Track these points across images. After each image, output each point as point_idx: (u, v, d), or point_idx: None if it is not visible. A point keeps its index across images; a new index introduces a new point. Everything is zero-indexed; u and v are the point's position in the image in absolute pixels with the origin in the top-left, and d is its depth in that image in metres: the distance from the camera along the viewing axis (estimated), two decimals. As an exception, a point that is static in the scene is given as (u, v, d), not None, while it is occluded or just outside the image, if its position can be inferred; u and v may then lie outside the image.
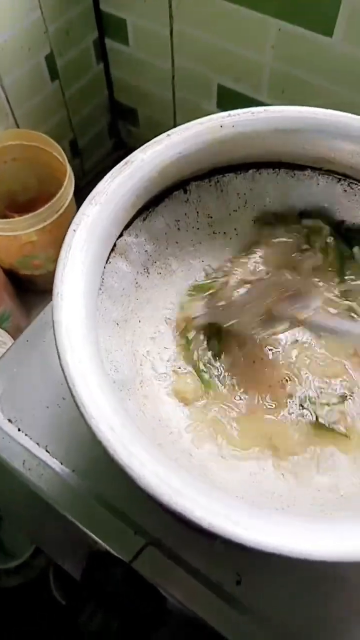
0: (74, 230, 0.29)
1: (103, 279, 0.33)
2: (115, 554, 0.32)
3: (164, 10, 0.59)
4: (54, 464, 0.35)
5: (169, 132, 0.34)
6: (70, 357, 0.24)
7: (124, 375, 0.32)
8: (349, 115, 0.36)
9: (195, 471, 0.29)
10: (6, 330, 0.56)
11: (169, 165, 0.34)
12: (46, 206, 0.54)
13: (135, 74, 0.72)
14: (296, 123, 0.36)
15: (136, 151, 0.34)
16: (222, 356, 0.37)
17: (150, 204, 0.36)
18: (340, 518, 0.25)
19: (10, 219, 0.54)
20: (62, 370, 0.24)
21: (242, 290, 0.38)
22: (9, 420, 0.36)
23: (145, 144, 0.34)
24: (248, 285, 0.38)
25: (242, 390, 0.35)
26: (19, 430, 0.36)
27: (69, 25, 0.62)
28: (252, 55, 0.57)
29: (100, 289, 0.32)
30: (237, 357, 0.36)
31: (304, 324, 0.34)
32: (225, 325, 0.36)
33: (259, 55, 0.56)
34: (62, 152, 0.56)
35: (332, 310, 0.38)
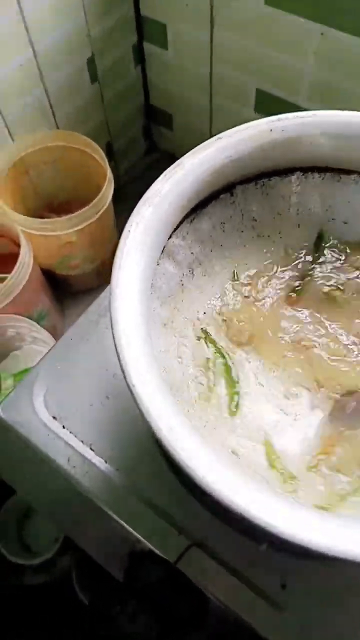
0: (129, 231, 0.29)
1: (153, 280, 0.33)
2: (160, 554, 0.32)
3: (205, 15, 0.59)
4: (99, 462, 0.35)
5: (219, 136, 0.35)
6: (129, 357, 0.25)
7: (172, 376, 0.32)
8: None
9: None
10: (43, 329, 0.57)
11: (219, 169, 0.34)
12: (87, 207, 0.54)
13: (172, 79, 0.73)
14: (346, 128, 0.36)
15: (187, 154, 0.34)
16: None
17: (198, 206, 0.36)
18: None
19: (52, 219, 0.55)
20: (121, 369, 0.24)
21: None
22: (54, 418, 0.36)
23: (196, 147, 0.35)
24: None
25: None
26: (63, 427, 0.36)
27: (110, 29, 0.63)
28: (293, 61, 0.57)
29: (150, 289, 0.32)
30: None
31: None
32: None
33: (300, 61, 0.56)
34: (102, 154, 0.57)
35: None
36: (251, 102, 0.64)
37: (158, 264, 0.34)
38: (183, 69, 0.69)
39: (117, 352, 0.25)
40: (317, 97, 0.58)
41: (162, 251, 0.34)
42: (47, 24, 0.53)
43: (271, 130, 0.35)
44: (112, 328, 0.26)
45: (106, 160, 0.56)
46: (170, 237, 0.34)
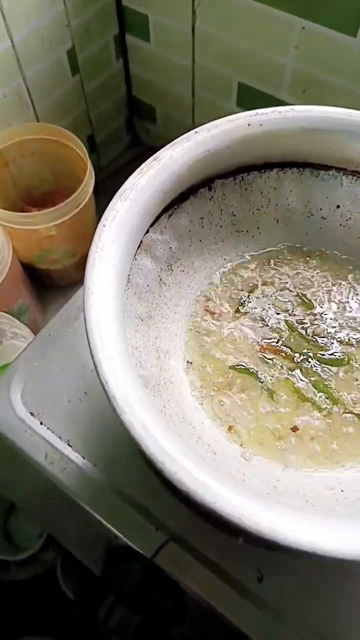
0: (104, 226, 0.29)
1: (129, 275, 0.33)
2: (137, 549, 0.32)
3: (187, 7, 0.59)
4: (76, 457, 0.35)
5: (197, 130, 0.35)
6: (102, 354, 0.25)
7: (149, 371, 0.32)
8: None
9: (222, 471, 0.29)
10: (24, 324, 0.56)
11: (197, 163, 0.34)
12: (67, 201, 0.54)
13: (154, 71, 0.72)
14: (324, 123, 0.36)
15: (165, 147, 0.34)
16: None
17: (176, 200, 0.36)
18: None
19: (31, 213, 0.54)
20: (95, 366, 0.24)
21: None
22: (31, 414, 0.36)
23: (174, 141, 0.34)
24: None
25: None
26: (41, 423, 0.36)
27: (90, 20, 0.62)
28: (274, 54, 0.56)
29: (126, 285, 0.32)
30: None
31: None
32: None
33: (282, 55, 0.56)
34: (83, 147, 0.57)
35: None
36: (233, 96, 0.64)
37: (135, 259, 0.33)
38: (165, 62, 0.68)
39: (90, 348, 0.25)
40: (299, 92, 0.58)
41: (139, 246, 0.34)
42: (25, 13, 0.52)
43: (249, 124, 0.35)
44: (85, 324, 0.26)
45: (87, 153, 0.56)
46: (147, 231, 0.34)
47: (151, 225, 0.35)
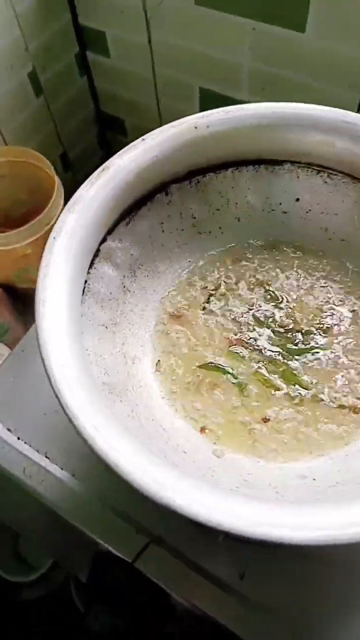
0: (54, 238, 0.30)
1: (89, 284, 0.33)
2: (119, 554, 0.32)
3: (140, 19, 0.60)
4: (55, 469, 0.35)
5: (144, 137, 0.35)
6: (54, 362, 0.25)
7: (115, 377, 0.32)
8: (318, 107, 0.36)
9: (192, 470, 0.29)
10: (5, 344, 0.57)
11: (146, 169, 0.35)
12: (36, 219, 0.55)
13: (119, 85, 0.73)
14: (269, 119, 0.37)
15: (113, 157, 0.34)
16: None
17: (133, 208, 0.37)
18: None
19: (2, 234, 0.55)
20: (47, 374, 0.25)
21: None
22: (8, 430, 0.37)
23: (122, 150, 0.35)
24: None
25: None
26: (18, 438, 0.36)
27: (49, 42, 0.64)
28: (230, 57, 0.57)
29: (85, 294, 0.33)
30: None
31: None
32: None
33: (237, 57, 0.57)
34: (50, 165, 0.57)
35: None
36: (196, 101, 0.65)
37: (94, 268, 0.34)
38: (128, 75, 0.69)
39: (42, 359, 0.25)
40: (259, 91, 0.59)
41: (97, 255, 0.34)
42: (-19, 41, 0.53)
43: (196, 127, 0.36)
44: (37, 335, 0.26)
45: (53, 170, 0.57)
46: (104, 240, 0.35)
47: (108, 234, 0.35)
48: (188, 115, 0.60)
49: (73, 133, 0.75)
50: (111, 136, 0.85)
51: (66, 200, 0.62)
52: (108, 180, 0.33)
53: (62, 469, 0.35)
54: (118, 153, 0.35)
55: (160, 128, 0.36)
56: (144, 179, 0.35)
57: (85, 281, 0.33)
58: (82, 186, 0.32)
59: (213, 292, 0.40)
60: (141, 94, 0.71)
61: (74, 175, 0.80)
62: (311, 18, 0.48)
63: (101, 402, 0.25)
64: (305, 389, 0.34)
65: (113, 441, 0.23)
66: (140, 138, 0.35)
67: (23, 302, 0.65)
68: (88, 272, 0.33)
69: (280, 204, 0.41)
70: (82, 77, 0.72)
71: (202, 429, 0.33)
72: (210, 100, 0.64)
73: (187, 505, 0.21)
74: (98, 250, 0.34)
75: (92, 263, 0.34)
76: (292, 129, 0.37)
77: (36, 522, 0.37)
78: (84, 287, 0.33)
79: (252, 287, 0.40)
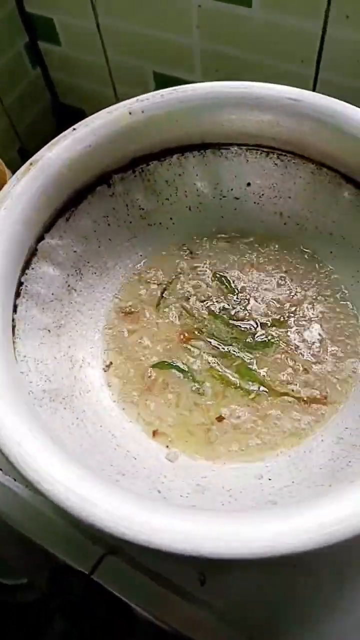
0: (-22, 240, 0.28)
1: (26, 286, 0.31)
2: (75, 566, 0.31)
3: (86, 4, 0.57)
4: (7, 481, 0.33)
5: (74, 126, 0.33)
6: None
7: (58, 383, 0.30)
8: (260, 84, 0.34)
9: (139, 478, 0.27)
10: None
11: (79, 160, 0.33)
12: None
13: (74, 74, 0.71)
14: (208, 100, 0.35)
15: (42, 149, 0.32)
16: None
17: (71, 202, 0.35)
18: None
19: None
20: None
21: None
22: None
23: (51, 141, 0.33)
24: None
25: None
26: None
27: (-6, 33, 0.61)
28: (179, 38, 0.55)
29: (22, 296, 0.31)
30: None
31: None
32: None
33: (186, 37, 0.54)
34: (2, 164, 0.55)
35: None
36: (151, 86, 0.63)
37: (31, 268, 0.32)
38: (81, 62, 0.67)
39: None
40: (212, 72, 0.56)
41: (34, 254, 0.32)
42: None
43: (130, 112, 0.34)
44: None
45: (6, 168, 0.54)
46: (41, 238, 0.33)
47: (46, 231, 0.33)
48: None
49: (30, 127, 0.73)
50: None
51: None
52: (36, 175, 0.31)
53: (15, 480, 0.33)
54: (47, 145, 0.33)
55: (93, 116, 0.34)
56: (78, 171, 0.33)
57: (22, 283, 0.31)
58: (9, 182, 0.30)
59: (166, 287, 0.38)
60: (97, 82, 0.68)
61: (35, 170, 0.77)
62: (257, -10, 0.46)
63: (30, 413, 0.24)
64: (260, 384, 0.33)
65: (37, 456, 0.21)
66: (71, 128, 0.33)
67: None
68: (24, 273, 0.31)
69: (232, 189, 0.40)
70: (34, 69, 0.69)
71: (155, 432, 0.31)
72: (165, 84, 0.61)
73: (119, 526, 0.19)
74: (35, 249, 0.32)
75: (28, 263, 0.32)
76: (233, 109, 0.35)
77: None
78: (19, 289, 0.31)
79: (206, 279, 0.39)
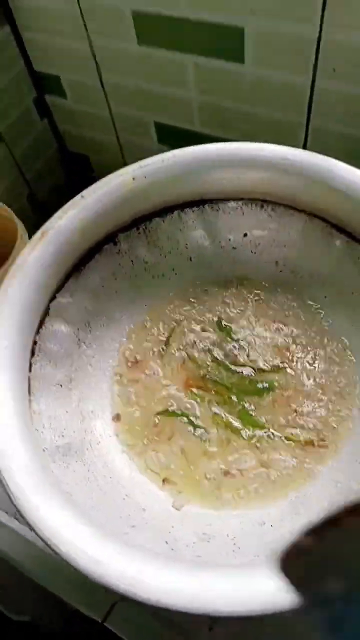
0: (-4, 308, 0.30)
1: (39, 344, 0.34)
2: (87, 614, 0.32)
3: (90, 63, 0.61)
4: (18, 527, 0.35)
5: (82, 193, 0.36)
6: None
7: (70, 438, 0.32)
8: (250, 145, 0.37)
9: (148, 529, 0.29)
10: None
11: (88, 226, 0.35)
12: (2, 269, 0.55)
13: (79, 125, 0.74)
14: (207, 162, 0.37)
15: (52, 217, 0.35)
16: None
17: (80, 262, 0.37)
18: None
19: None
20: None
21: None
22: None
23: (62, 209, 0.36)
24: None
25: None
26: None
27: (5, 89, 0.65)
28: (177, 92, 0.58)
29: (36, 355, 0.33)
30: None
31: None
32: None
33: (184, 91, 0.58)
34: (13, 214, 0.58)
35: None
36: (153, 135, 0.66)
37: (44, 327, 0.34)
38: (86, 114, 0.71)
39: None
40: (209, 122, 0.59)
41: (47, 314, 0.35)
42: None
43: (134, 178, 0.37)
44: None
45: (16, 218, 0.57)
46: (53, 298, 0.35)
47: (57, 292, 0.36)
48: (147, 148, 0.61)
49: (39, 175, 0.76)
50: (79, 173, 0.86)
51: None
52: (48, 243, 0.33)
53: (21, 524, 0.35)
54: (57, 213, 0.35)
55: (97, 183, 0.36)
56: (87, 235, 0.36)
57: (35, 342, 0.33)
58: (23, 251, 0.33)
59: (170, 335, 0.40)
60: (101, 132, 0.72)
61: (42, 218, 0.80)
62: (248, 48, 0.49)
63: (45, 473, 0.26)
64: (261, 429, 0.34)
65: (53, 518, 0.23)
66: (79, 195, 0.36)
67: None
68: (38, 332, 0.33)
69: (230, 239, 0.42)
70: (42, 120, 0.73)
71: (164, 481, 0.33)
72: (166, 133, 0.65)
73: (130, 586, 0.21)
74: (48, 309, 0.35)
75: (42, 323, 0.34)
76: (230, 169, 0.38)
77: (5, 581, 0.37)
78: (34, 348, 0.33)
79: (207, 326, 0.41)
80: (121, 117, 0.67)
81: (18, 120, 0.68)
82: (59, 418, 0.33)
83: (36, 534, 0.22)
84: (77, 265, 0.37)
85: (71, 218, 0.34)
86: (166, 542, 0.28)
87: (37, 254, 0.32)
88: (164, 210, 0.40)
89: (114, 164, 0.78)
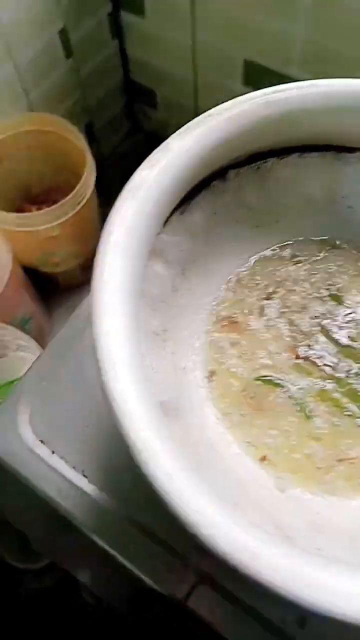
0: (111, 232, 0.25)
1: (142, 287, 0.29)
2: (164, 592, 0.29)
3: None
4: (93, 491, 0.31)
5: (209, 112, 0.30)
6: (114, 386, 0.21)
7: (168, 395, 0.28)
8: None
9: (253, 510, 0.25)
10: (28, 333, 0.53)
11: (211, 152, 0.30)
12: (67, 198, 0.50)
13: (152, 51, 0.67)
14: (351, 100, 0.32)
15: (174, 135, 0.30)
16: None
17: (189, 195, 0.32)
18: None
19: (30, 214, 0.50)
20: (109, 403, 0.21)
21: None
22: (42, 442, 0.33)
23: (184, 127, 0.30)
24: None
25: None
26: (52, 453, 0.32)
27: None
28: (283, 25, 0.51)
29: (140, 296, 0.28)
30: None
31: None
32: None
33: (291, 24, 0.51)
34: (83, 139, 0.52)
35: None
36: (239, 75, 0.59)
37: (147, 266, 0.30)
38: (163, 40, 0.64)
39: (101, 382, 0.21)
40: (311, 66, 0.53)
41: (152, 252, 0.30)
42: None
43: (266, 103, 0.31)
44: (95, 348, 0.22)
45: (86, 146, 0.51)
46: (159, 233, 0.30)
47: (163, 226, 0.31)
48: (229, 89, 0.54)
49: (100, 102, 0.70)
50: (139, 108, 0.79)
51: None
52: (170, 163, 0.28)
53: (101, 491, 0.31)
54: (179, 131, 0.30)
55: (226, 104, 0.31)
56: (205, 163, 0.30)
57: (142, 281, 0.29)
58: (141, 168, 0.27)
59: (271, 295, 0.36)
60: (176, 63, 0.65)
61: (98, 148, 0.74)
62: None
63: (166, 433, 0.21)
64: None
65: (190, 494, 0.19)
66: (206, 114, 0.30)
67: (45, 286, 0.61)
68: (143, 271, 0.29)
69: (345, 197, 0.37)
70: (113, 40, 0.66)
71: (263, 458, 0.29)
72: (255, 74, 0.58)
73: (298, 589, 0.17)
74: (152, 246, 0.30)
75: (148, 262, 0.29)
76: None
77: (68, 547, 0.34)
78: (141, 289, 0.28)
79: (312, 291, 0.36)
80: (205, 48, 0.60)
81: (89, 36, 0.61)
82: (157, 371, 0.28)
83: (176, 513, 0.18)
84: (186, 197, 0.32)
85: (195, 138, 0.29)
86: (276, 526, 0.24)
87: (159, 172, 0.27)
88: (283, 150, 0.35)
89: (184, 103, 0.71)
